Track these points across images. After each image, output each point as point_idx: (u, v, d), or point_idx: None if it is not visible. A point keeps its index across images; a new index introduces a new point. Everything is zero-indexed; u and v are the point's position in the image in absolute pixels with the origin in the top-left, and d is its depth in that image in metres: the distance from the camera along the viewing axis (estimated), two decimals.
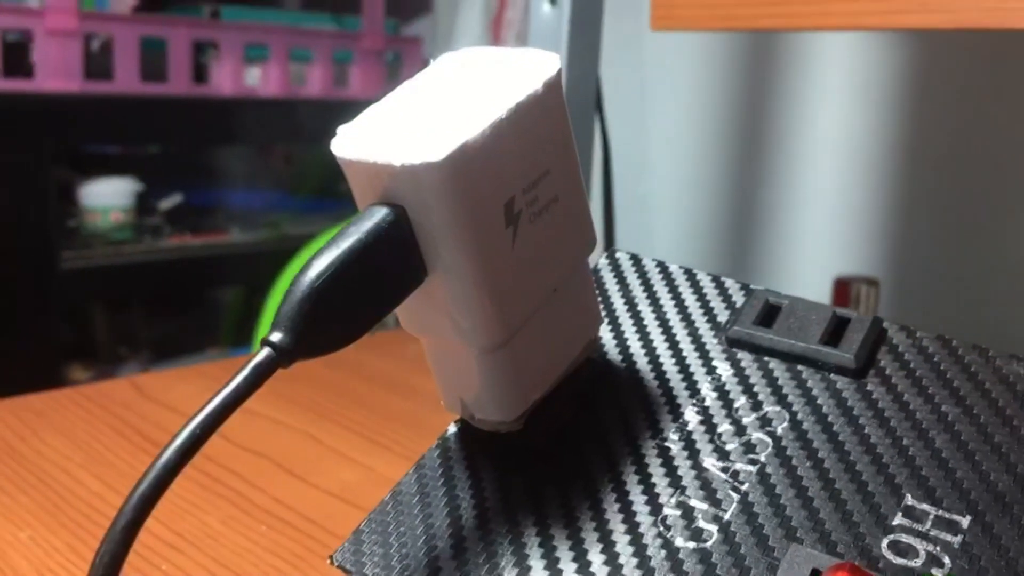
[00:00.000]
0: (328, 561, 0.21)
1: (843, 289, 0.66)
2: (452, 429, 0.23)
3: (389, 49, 0.99)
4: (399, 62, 1.00)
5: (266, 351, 0.17)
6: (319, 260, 0.18)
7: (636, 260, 0.26)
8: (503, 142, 0.19)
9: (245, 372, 0.17)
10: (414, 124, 0.18)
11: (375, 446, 0.37)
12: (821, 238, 0.70)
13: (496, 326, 0.19)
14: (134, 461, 0.35)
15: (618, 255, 0.26)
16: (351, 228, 0.18)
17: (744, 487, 0.20)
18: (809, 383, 0.22)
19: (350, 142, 0.19)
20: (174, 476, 0.16)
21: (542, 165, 0.20)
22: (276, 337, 0.17)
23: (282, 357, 0.17)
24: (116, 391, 0.42)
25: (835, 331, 0.23)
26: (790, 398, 0.22)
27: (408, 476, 0.22)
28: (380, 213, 0.18)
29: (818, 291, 0.67)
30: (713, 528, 0.19)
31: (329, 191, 1.01)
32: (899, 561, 0.18)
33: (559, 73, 0.20)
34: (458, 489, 0.21)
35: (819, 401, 0.22)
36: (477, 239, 0.19)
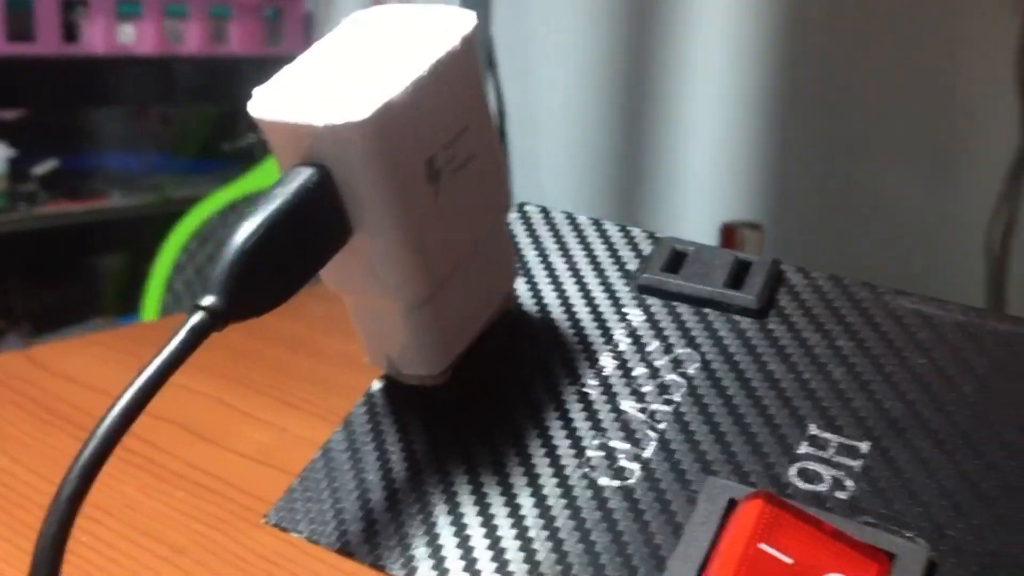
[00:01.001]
0: (263, 520, 0.21)
1: (730, 234, 0.69)
2: (377, 385, 0.23)
3: (268, 4, 0.96)
4: (279, 17, 0.98)
5: (200, 315, 0.17)
6: (247, 223, 0.18)
7: (545, 212, 0.27)
8: (424, 100, 0.19)
9: (181, 336, 0.17)
10: (334, 83, 0.19)
11: (285, 406, 0.37)
12: (707, 187, 0.73)
13: (421, 282, 0.20)
14: (39, 434, 0.34)
15: (527, 208, 0.27)
16: (277, 190, 0.18)
17: (661, 426, 0.21)
18: (716, 325, 0.23)
19: (269, 103, 0.19)
20: (116, 442, 0.16)
21: (460, 121, 0.20)
22: (209, 301, 0.17)
23: (216, 320, 0.17)
24: (10, 364, 0.41)
25: (737, 275, 0.24)
26: (699, 340, 0.23)
27: (337, 434, 0.22)
28: (305, 174, 0.18)
29: (706, 238, 0.69)
30: (635, 467, 0.20)
31: (211, 152, 0.99)
32: (806, 487, 0.20)
33: (475, 30, 0.20)
34: (388, 444, 0.22)
35: (726, 342, 0.23)
36: (401, 197, 0.19)
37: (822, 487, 0.20)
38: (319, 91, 0.19)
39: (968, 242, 0.60)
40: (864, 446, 0.20)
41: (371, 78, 0.19)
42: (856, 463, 0.20)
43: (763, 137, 0.69)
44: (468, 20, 0.20)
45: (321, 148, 0.18)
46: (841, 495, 0.19)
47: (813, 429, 0.21)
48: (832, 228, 0.68)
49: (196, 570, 0.27)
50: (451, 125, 0.20)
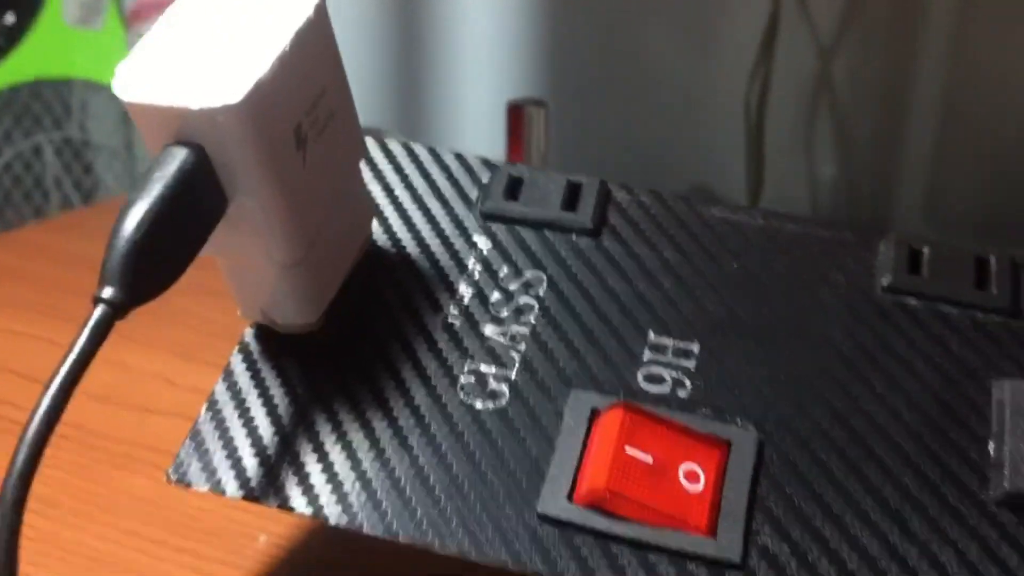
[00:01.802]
0: (166, 479, 0.22)
1: (517, 113, 0.71)
2: (249, 333, 0.24)
3: None
4: None
5: (102, 308, 0.18)
6: (134, 211, 0.18)
7: (383, 146, 0.28)
8: (288, 73, 0.20)
9: (87, 332, 0.18)
10: (198, 60, 0.19)
11: (122, 339, 0.37)
12: (490, 68, 0.74)
13: (296, 243, 0.21)
14: None
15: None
16: (156, 174, 0.19)
17: (522, 347, 0.24)
18: (557, 246, 0.26)
19: (136, 84, 0.19)
20: (44, 445, 0.17)
21: (319, 85, 0.21)
22: (108, 293, 0.18)
23: (117, 311, 0.18)
24: None
25: (570, 197, 0.26)
26: (544, 262, 0.25)
27: (219, 385, 0.23)
28: (180, 155, 0.19)
29: (494, 116, 0.71)
30: (504, 388, 0.23)
31: None
32: (653, 389, 0.23)
33: None
34: (270, 390, 0.23)
35: (568, 262, 0.25)
36: (274, 168, 0.20)
37: (665, 389, 0.23)
38: (184, 69, 0.19)
39: (730, 106, 0.65)
40: (695, 347, 0.24)
41: (235, 54, 0.19)
42: (690, 363, 0.23)
43: (540, 13, 0.71)
44: None
45: (194, 129, 0.19)
46: (682, 394, 0.23)
47: (652, 336, 0.24)
48: (610, 99, 0.71)
49: (72, 519, 0.27)
50: (313, 91, 0.21)
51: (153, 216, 0.18)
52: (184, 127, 0.19)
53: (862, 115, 0.58)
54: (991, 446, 0.21)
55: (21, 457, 0.16)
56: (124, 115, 0.52)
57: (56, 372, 0.17)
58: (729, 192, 0.67)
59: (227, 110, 0.18)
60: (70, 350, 0.17)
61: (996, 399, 0.22)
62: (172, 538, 0.27)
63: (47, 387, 0.17)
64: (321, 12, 0.21)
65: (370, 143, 0.28)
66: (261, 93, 0.19)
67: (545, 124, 0.69)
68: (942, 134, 0.57)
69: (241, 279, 0.22)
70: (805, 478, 0.21)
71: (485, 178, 0.27)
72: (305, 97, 0.20)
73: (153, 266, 0.18)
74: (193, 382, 0.34)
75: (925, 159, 0.60)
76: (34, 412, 0.17)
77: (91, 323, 0.18)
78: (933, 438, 0.22)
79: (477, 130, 0.71)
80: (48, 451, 0.27)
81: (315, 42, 0.20)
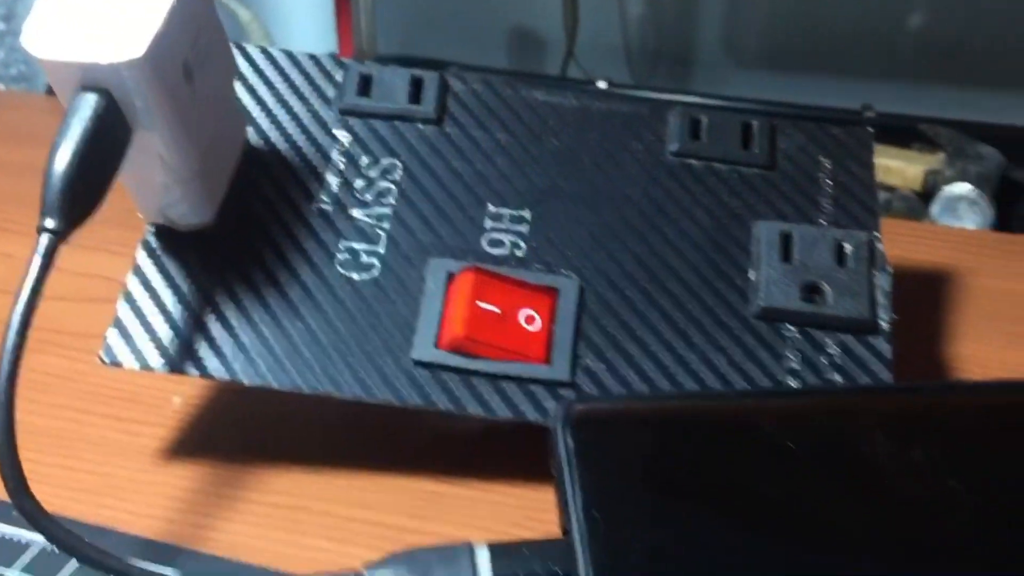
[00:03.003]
0: (99, 361, 0.27)
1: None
2: (150, 231, 0.28)
3: None
4: None
5: (47, 237, 0.22)
6: (61, 152, 0.22)
7: (245, 54, 0.31)
8: (177, 20, 0.23)
9: (38, 263, 0.22)
10: (99, 16, 0.22)
11: None
12: None
13: (192, 160, 0.25)
14: None
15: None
16: (74, 119, 0.22)
17: (386, 225, 0.29)
18: (407, 135, 0.30)
19: (45, 41, 0.22)
20: (17, 371, 0.21)
21: (198, 23, 0.25)
22: (51, 223, 0.22)
23: (59, 237, 0.22)
24: None
25: (414, 91, 0.31)
26: (397, 150, 0.30)
27: (131, 279, 0.28)
28: (92, 100, 0.23)
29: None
30: (375, 261, 0.28)
31: None
32: (495, 251, 0.28)
33: None
34: (176, 280, 0.28)
35: (417, 148, 0.30)
36: (171, 103, 0.24)
37: (505, 250, 0.28)
38: (88, 24, 0.22)
39: None
40: (527, 214, 0.29)
41: (130, 8, 0.22)
42: (523, 228, 0.29)
43: None
44: None
45: (102, 78, 0.22)
46: (518, 253, 0.28)
47: (491, 207, 0.29)
48: None
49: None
50: (194, 30, 0.24)
51: (77, 155, 0.22)
52: (93, 77, 0.22)
53: None
54: (751, 273, 0.28)
55: (3, 376, 0.21)
56: None
57: (19, 292, 0.21)
58: (548, 30, 0.73)
59: (132, 63, 0.22)
60: (27, 274, 0.21)
61: (755, 236, 0.29)
62: (96, 407, 0.31)
63: (15, 304, 0.21)
64: None
65: (234, 53, 0.31)
66: (158, 44, 0.22)
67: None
68: None
69: (142, 189, 0.26)
70: (616, 312, 0.28)
71: (339, 76, 0.31)
72: (189, 37, 0.24)
73: (82, 195, 0.22)
74: (80, 267, 0.37)
75: None
76: (8, 328, 0.21)
77: (41, 250, 0.22)
78: (708, 270, 0.28)
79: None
80: None
81: None
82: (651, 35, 0.70)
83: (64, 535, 0.21)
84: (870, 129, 0.31)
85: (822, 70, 0.68)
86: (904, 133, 0.58)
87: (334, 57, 0.32)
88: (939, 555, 0.22)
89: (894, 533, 0.22)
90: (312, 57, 0.32)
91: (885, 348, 0.27)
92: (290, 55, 0.32)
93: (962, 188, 0.51)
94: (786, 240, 0.28)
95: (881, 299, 0.27)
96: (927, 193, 0.53)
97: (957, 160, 0.52)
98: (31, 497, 0.21)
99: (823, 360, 0.27)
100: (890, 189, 0.55)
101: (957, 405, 0.25)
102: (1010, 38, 0.65)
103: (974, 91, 0.65)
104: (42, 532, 0.21)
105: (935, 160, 0.55)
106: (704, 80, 0.69)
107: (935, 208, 0.52)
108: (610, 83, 0.61)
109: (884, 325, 0.27)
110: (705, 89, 0.67)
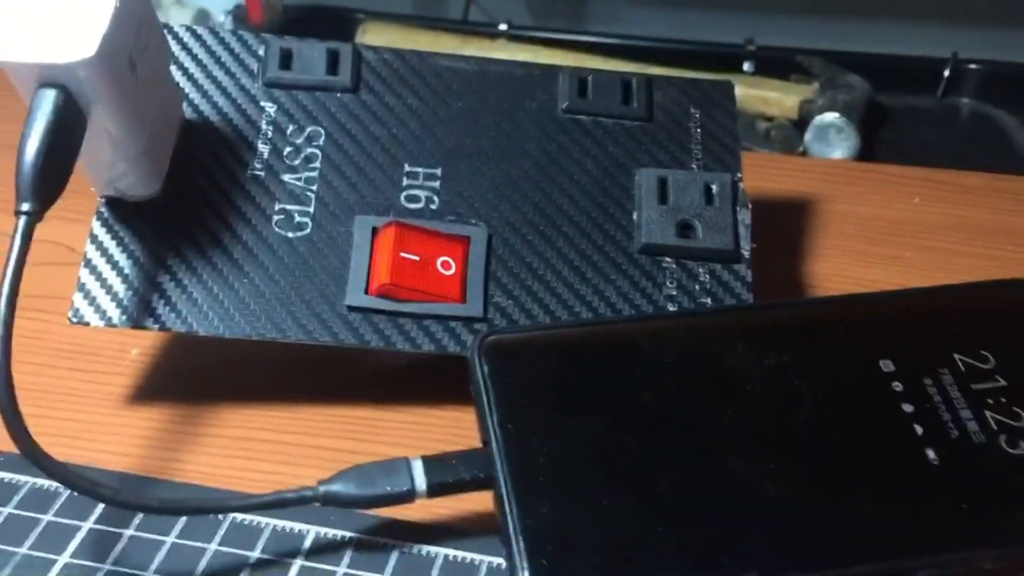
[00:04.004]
0: (68, 321, 0.30)
1: None
2: (102, 203, 0.31)
3: None
4: None
5: (24, 219, 0.25)
6: (30, 143, 0.25)
7: (171, 31, 0.34)
8: (122, 20, 0.26)
9: (19, 242, 0.25)
10: (50, 17, 0.25)
11: None
12: None
13: (139, 140, 0.29)
14: None
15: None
16: (38, 113, 0.25)
17: (315, 188, 0.32)
18: (327, 104, 0.34)
19: (3, 43, 0.25)
20: (11, 335, 0.24)
21: (139, 18, 0.28)
22: (26, 207, 0.25)
23: (34, 218, 0.25)
24: None
25: (331, 63, 0.34)
26: (320, 118, 0.34)
27: (89, 247, 0.31)
28: (52, 95, 0.26)
29: None
30: (307, 220, 0.32)
31: None
32: (412, 206, 0.32)
33: None
34: (131, 246, 0.31)
35: (337, 116, 0.34)
36: (118, 92, 0.27)
37: (421, 205, 0.32)
38: (41, 26, 0.25)
39: None
40: (439, 171, 0.33)
41: (76, 9, 0.25)
42: (436, 184, 0.33)
43: None
44: None
45: (59, 76, 0.26)
46: (433, 207, 0.32)
47: (407, 167, 0.33)
48: None
49: None
50: (136, 24, 0.27)
51: (44, 144, 0.25)
52: (51, 75, 0.26)
53: None
54: (634, 215, 0.33)
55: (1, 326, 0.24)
56: None
57: (5, 269, 0.25)
58: None
59: (86, 63, 0.25)
60: (11, 253, 0.25)
61: (636, 182, 0.33)
62: (62, 362, 0.34)
63: (3, 279, 0.24)
64: None
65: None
66: (107, 44, 0.26)
67: None
68: None
69: (94, 166, 0.30)
70: (520, 254, 0.32)
71: (261, 51, 0.34)
72: (133, 31, 0.27)
73: (51, 179, 0.26)
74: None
75: None
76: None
77: (20, 232, 0.25)
78: (598, 214, 0.33)
79: None
80: None
81: None
82: None
83: (75, 477, 0.25)
84: (731, 81, 0.36)
85: (708, 6, 0.73)
86: (784, 64, 0.62)
87: (256, 33, 0.35)
88: (787, 438, 0.27)
89: (752, 425, 0.27)
90: (235, 34, 0.35)
91: (746, 273, 0.32)
92: (215, 32, 0.35)
93: (831, 117, 0.55)
94: (663, 184, 0.33)
95: (743, 231, 0.32)
96: (803, 122, 0.58)
97: (828, 90, 0.57)
98: (36, 444, 0.25)
99: (696, 287, 0.32)
100: (769, 119, 0.59)
101: (803, 317, 0.30)
102: None
103: (848, 22, 0.70)
104: (51, 475, 0.25)
105: (809, 90, 0.59)
106: (598, 19, 0.73)
107: (808, 136, 0.56)
108: (510, 24, 0.64)
109: (745, 253, 0.32)
110: (599, 28, 0.71)
